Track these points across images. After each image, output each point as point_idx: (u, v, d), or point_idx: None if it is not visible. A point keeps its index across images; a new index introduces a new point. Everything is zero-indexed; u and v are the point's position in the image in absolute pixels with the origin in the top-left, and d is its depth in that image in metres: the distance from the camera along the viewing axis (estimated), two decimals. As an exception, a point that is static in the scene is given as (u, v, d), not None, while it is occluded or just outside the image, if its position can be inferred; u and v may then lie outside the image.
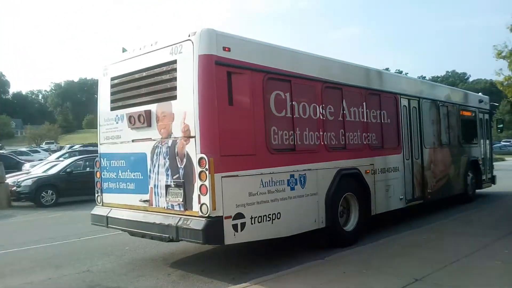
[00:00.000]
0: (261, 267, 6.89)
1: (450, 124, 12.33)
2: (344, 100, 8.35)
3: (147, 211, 6.71)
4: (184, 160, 6.15)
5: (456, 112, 12.87)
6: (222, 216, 5.94)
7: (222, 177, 5.97)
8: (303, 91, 7.48)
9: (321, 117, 7.79)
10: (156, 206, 6.60)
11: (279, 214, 6.76)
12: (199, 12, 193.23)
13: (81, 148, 33.45)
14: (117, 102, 7.32)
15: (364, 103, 8.89)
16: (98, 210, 7.67)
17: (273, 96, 6.91)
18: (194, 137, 6.00)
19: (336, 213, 7.92)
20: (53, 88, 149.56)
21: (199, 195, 5.96)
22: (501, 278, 5.80)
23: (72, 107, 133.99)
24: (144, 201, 6.79)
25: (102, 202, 7.69)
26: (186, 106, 6.08)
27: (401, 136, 10.05)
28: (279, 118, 6.97)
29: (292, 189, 7.09)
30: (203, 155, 5.92)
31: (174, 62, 6.35)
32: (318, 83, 7.81)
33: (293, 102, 7.25)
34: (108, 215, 7.34)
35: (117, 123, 7.33)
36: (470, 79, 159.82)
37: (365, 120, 8.88)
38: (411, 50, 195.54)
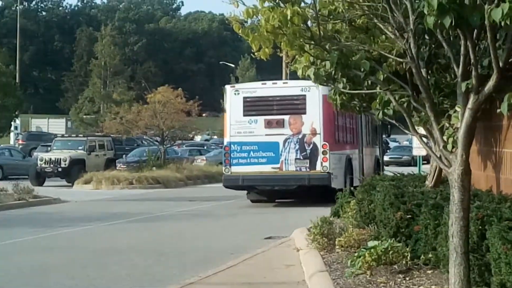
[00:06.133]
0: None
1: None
2: (350, 119, 28.90)
3: (278, 173, 25.07)
4: (311, 145, 24.81)
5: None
6: (331, 173, 25.07)
7: (331, 153, 24.89)
8: (345, 116, 27.27)
9: (345, 127, 28.19)
10: (286, 170, 24.95)
11: (336, 176, 25.47)
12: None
13: None
14: (251, 111, 25.12)
15: (352, 118, 28.66)
16: (229, 177, 25.58)
17: (337, 116, 26.31)
18: (320, 133, 24.87)
19: (345, 181, 25.96)
20: None
21: (321, 162, 24.77)
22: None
23: None
24: (276, 168, 24.88)
25: (231, 172, 25.28)
26: (313, 118, 24.96)
27: (358, 137, 29.96)
28: (336, 125, 26.54)
29: (339, 162, 26.18)
30: (326, 142, 24.84)
31: (304, 95, 25.34)
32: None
33: (340, 118, 27.06)
34: (243, 178, 25.03)
35: (250, 124, 24.94)
36: (183, 11, 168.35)
37: (350, 127, 28.88)
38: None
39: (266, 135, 24.96)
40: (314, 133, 24.71)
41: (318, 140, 24.67)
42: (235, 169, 25.22)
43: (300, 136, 24.82)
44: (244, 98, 25.26)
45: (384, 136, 41.21)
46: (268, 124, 24.93)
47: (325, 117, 24.65)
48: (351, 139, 28.81)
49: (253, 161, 25.01)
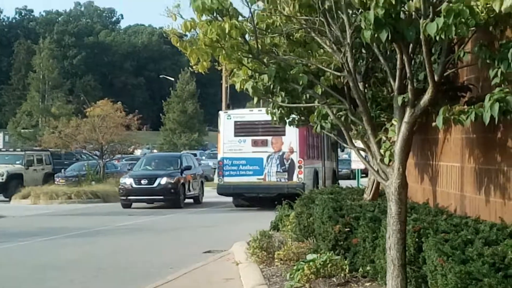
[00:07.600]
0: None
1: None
2: (316, 138, 34.88)
3: (262, 183, 31.67)
4: (289, 161, 31.45)
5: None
6: (305, 183, 31.01)
7: (305, 167, 31.73)
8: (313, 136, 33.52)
9: (314, 144, 34.98)
10: (268, 180, 31.47)
11: (308, 186, 30.74)
12: None
13: None
14: (240, 132, 31.60)
15: (317, 137, 34.28)
16: (222, 185, 32.20)
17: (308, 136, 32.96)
18: (296, 151, 31.58)
19: (313, 186, 31.75)
20: None
21: (297, 175, 31.36)
22: None
23: None
24: (260, 179, 31.47)
25: (223, 181, 31.90)
26: (290, 139, 31.04)
27: (322, 153, 36.62)
28: (308, 144, 33.34)
29: (310, 174, 32.99)
30: (301, 159, 31.60)
31: None
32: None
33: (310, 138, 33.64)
34: (233, 186, 31.86)
35: (239, 143, 31.49)
36: (123, 25, 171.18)
37: (316, 145, 35.47)
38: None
39: (253, 152, 31.25)
40: (291, 151, 31.03)
41: (295, 157, 31.08)
42: (227, 179, 31.58)
43: (280, 153, 31.15)
44: (235, 122, 31.62)
45: (339, 150, 47.74)
46: (255, 143, 31.24)
47: (300, 138, 30.88)
48: (317, 155, 35.28)
49: (242, 173, 31.41)
